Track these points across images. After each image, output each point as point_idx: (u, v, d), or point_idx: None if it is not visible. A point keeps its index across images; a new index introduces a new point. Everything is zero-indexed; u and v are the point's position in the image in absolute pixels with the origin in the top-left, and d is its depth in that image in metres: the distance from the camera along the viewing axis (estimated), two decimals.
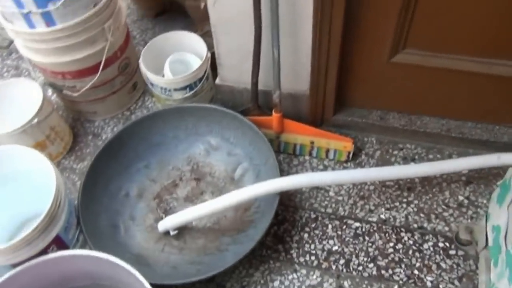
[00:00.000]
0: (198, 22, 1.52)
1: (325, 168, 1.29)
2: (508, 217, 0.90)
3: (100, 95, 1.34)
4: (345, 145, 1.26)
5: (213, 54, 1.29)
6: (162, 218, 1.16)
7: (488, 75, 1.15)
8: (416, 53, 1.15)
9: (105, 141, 1.21)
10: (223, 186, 1.26)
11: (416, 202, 1.22)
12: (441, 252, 1.14)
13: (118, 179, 1.23)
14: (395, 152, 1.32)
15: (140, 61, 1.30)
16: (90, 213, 1.10)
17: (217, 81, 1.31)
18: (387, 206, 1.22)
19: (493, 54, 1.11)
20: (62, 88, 1.29)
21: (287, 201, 1.24)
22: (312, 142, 1.27)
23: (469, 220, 1.19)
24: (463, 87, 1.20)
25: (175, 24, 1.65)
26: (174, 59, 1.33)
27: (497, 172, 1.23)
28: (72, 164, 1.35)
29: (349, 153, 1.27)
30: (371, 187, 1.26)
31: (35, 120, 1.16)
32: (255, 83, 1.20)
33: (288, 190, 1.19)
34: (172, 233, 1.14)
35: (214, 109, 1.27)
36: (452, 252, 1.14)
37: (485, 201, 1.20)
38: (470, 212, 1.20)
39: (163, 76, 1.31)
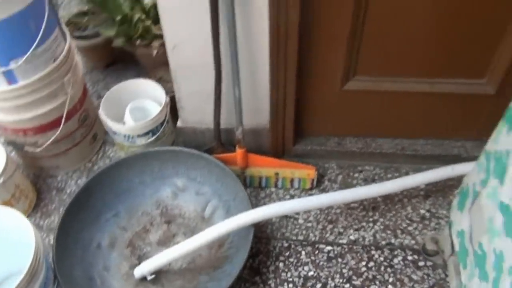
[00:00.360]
0: (150, 69, 1.60)
1: (292, 197, 1.38)
2: (470, 220, 1.01)
3: (62, 148, 1.38)
4: (308, 172, 1.35)
5: (172, 98, 1.37)
6: (137, 265, 1.19)
7: (432, 94, 1.29)
8: (366, 79, 1.28)
9: (73, 194, 1.24)
10: (195, 226, 1.32)
11: (381, 220, 1.33)
12: (411, 265, 1.24)
13: (89, 230, 1.26)
14: (356, 175, 1.43)
15: (100, 111, 1.35)
16: (65, 267, 1.13)
17: (179, 123, 1.39)
18: (355, 227, 1.32)
19: (434, 74, 1.26)
20: (23, 145, 1.32)
21: (259, 233, 1.31)
22: (276, 174, 1.36)
23: (432, 231, 1.30)
24: (411, 107, 1.34)
25: (127, 73, 1.72)
26: (134, 106, 1.40)
27: (452, 184, 1.36)
28: (39, 221, 1.37)
29: (313, 180, 1.37)
30: (338, 211, 1.35)
31: (1, 180, 1.19)
32: (217, 122, 1.29)
33: (258, 222, 1.26)
34: (149, 278, 1.18)
35: (178, 151, 1.34)
36: (421, 263, 1.25)
37: (445, 212, 1.32)
38: (432, 224, 1.32)
39: (123, 124, 1.37)
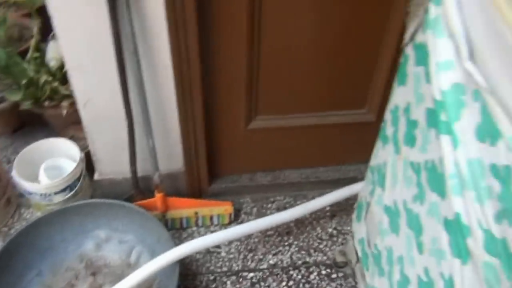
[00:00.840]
0: (61, 129, 1.71)
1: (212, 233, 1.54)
2: (367, 227, 1.25)
3: None
4: (225, 208, 1.53)
5: (86, 154, 1.49)
6: None
7: (324, 126, 1.54)
8: (267, 118, 1.50)
9: None
10: (121, 273, 1.43)
11: (296, 242, 1.53)
12: (325, 278, 1.45)
13: None
14: (269, 206, 1.63)
15: (13, 173, 1.44)
16: None
17: (96, 176, 1.51)
18: (273, 252, 1.51)
19: (323, 108, 1.51)
20: None
21: (185, 270, 1.46)
22: (196, 213, 1.53)
23: (340, 246, 1.53)
24: (310, 139, 1.58)
25: (36, 135, 1.79)
26: (48, 165, 1.50)
27: (353, 203, 1.61)
28: None
29: (230, 215, 1.55)
30: (256, 240, 1.54)
31: None
32: (134, 171, 1.43)
33: (184, 260, 1.40)
34: None
35: (98, 203, 1.45)
36: (334, 275, 1.46)
37: (349, 228, 1.55)
38: (340, 239, 1.54)
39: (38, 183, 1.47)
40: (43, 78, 1.56)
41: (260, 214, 1.56)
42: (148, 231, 1.42)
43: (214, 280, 1.41)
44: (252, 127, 1.48)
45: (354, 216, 1.36)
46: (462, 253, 0.75)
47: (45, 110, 1.64)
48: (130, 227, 1.45)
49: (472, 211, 0.68)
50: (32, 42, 1.61)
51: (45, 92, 1.58)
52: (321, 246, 1.49)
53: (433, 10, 0.82)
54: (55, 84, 1.56)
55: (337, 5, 1.23)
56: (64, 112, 1.58)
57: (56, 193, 1.43)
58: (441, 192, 0.80)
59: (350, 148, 1.57)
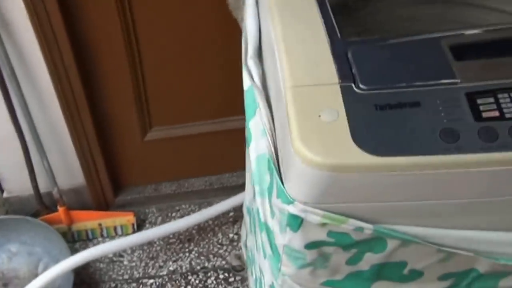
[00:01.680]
0: None
1: None
2: (246, 230, 1.42)
3: None
4: (128, 218, 1.74)
5: None
6: None
7: (226, 131, 1.73)
8: (163, 129, 1.69)
9: None
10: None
11: (196, 249, 1.73)
12: (222, 282, 1.64)
13: None
14: (174, 214, 1.84)
15: None
16: None
17: (5, 194, 1.73)
18: (174, 258, 1.71)
19: (224, 114, 1.68)
20: None
21: (88, 279, 1.66)
22: (100, 224, 1.74)
23: (239, 251, 1.73)
24: (211, 146, 1.77)
25: None
26: None
27: None
28: None
29: (133, 225, 1.75)
30: (158, 248, 1.75)
31: None
32: (35, 187, 1.65)
33: (88, 270, 1.61)
34: None
35: (6, 219, 1.66)
36: (232, 279, 1.65)
37: None
38: (240, 244, 1.75)
39: None
40: None
41: (165, 223, 1.76)
42: (52, 244, 1.64)
43: (115, 287, 1.61)
44: (149, 138, 1.68)
45: (243, 220, 1.56)
46: (263, 247, 0.88)
47: None
48: (36, 240, 1.67)
49: (261, 206, 0.81)
50: None
51: None
52: (221, 251, 1.69)
53: (242, 13, 0.99)
54: None
55: (211, 16, 1.43)
56: None
57: None
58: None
59: None
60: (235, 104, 1.54)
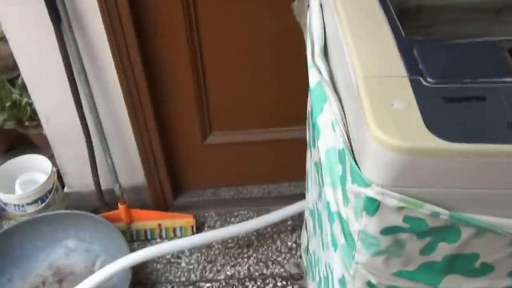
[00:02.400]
0: (43, 147, 2.11)
1: None
2: (307, 235, 1.50)
3: None
4: (187, 221, 1.85)
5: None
6: None
7: (285, 140, 1.82)
8: (222, 133, 1.79)
9: None
10: None
11: (255, 255, 1.81)
12: None
13: None
14: (232, 219, 1.93)
15: None
16: None
17: (66, 189, 1.87)
18: (231, 263, 1.80)
19: (283, 123, 1.77)
20: None
21: (145, 279, 1.77)
22: (159, 225, 1.85)
23: (298, 259, 1.80)
24: (270, 154, 1.86)
25: (25, 155, 2.20)
26: (24, 179, 1.88)
27: None
28: None
29: (192, 227, 1.85)
30: (216, 251, 1.84)
31: None
32: (97, 182, 1.78)
33: (145, 270, 1.71)
34: None
35: (66, 214, 1.80)
36: (289, 287, 1.73)
37: None
38: (298, 253, 1.81)
39: None
40: (25, 100, 1.96)
41: (225, 227, 1.86)
42: (111, 241, 1.75)
43: None
44: (209, 142, 1.78)
45: (303, 226, 1.64)
46: (333, 240, 0.93)
47: (28, 129, 2.03)
48: (95, 237, 1.79)
49: (332, 197, 0.87)
50: None
51: (27, 112, 1.98)
52: (279, 258, 1.77)
53: (307, 16, 1.09)
54: None
55: (274, 25, 1.52)
56: (44, 131, 1.97)
57: (28, 204, 1.80)
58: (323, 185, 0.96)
59: None
60: (295, 114, 1.63)
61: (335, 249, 0.89)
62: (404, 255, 0.74)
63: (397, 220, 0.69)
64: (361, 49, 0.76)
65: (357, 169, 0.69)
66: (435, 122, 0.64)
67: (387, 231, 0.71)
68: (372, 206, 0.68)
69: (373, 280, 0.79)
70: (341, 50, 0.80)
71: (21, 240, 1.73)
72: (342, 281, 0.87)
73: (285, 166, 1.83)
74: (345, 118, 0.78)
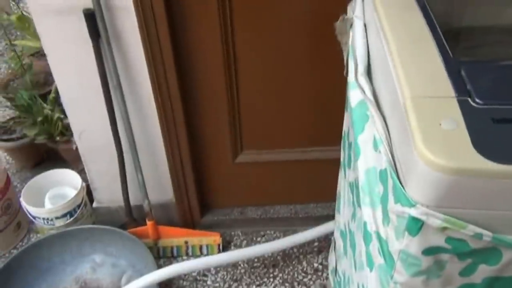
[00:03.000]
0: (72, 162, 2.15)
1: None
2: (335, 256, 1.51)
3: None
4: (214, 239, 1.86)
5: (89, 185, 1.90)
6: None
7: (314, 161, 1.84)
8: (253, 152, 1.82)
9: None
10: None
11: (280, 275, 1.82)
12: None
13: None
14: (259, 239, 1.94)
15: (21, 198, 1.87)
16: None
17: (94, 204, 1.90)
18: (257, 283, 1.81)
19: (313, 144, 1.79)
20: None
21: None
22: (186, 242, 1.87)
23: (324, 281, 1.81)
24: (299, 174, 1.88)
25: (53, 169, 2.24)
26: (53, 193, 1.92)
27: None
28: None
29: (219, 246, 1.87)
30: (242, 270, 1.85)
31: None
32: (126, 198, 1.81)
33: (171, 286, 1.72)
34: None
35: (94, 229, 1.83)
36: None
37: None
38: (324, 274, 1.82)
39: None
40: (56, 115, 2.01)
41: (251, 246, 1.87)
42: (138, 257, 1.78)
43: None
44: (240, 160, 1.80)
45: (331, 248, 1.64)
46: (369, 260, 0.94)
47: (58, 144, 2.07)
48: (122, 253, 1.81)
49: (371, 217, 0.87)
50: (54, 85, 2.08)
51: (58, 128, 2.02)
52: (305, 279, 1.77)
53: (350, 36, 1.12)
54: (66, 121, 2.00)
55: (314, 48, 1.55)
56: (74, 146, 2.01)
57: (57, 218, 1.83)
58: (360, 206, 0.96)
59: None
60: (325, 135, 1.70)
61: (371, 269, 0.89)
62: (444, 276, 0.75)
63: (439, 240, 0.70)
64: (408, 69, 0.78)
65: (402, 188, 0.70)
66: (483, 143, 0.65)
67: (429, 251, 0.72)
68: (415, 226, 0.69)
69: None
70: (387, 70, 0.82)
71: (49, 254, 1.77)
72: None
73: (313, 187, 1.84)
74: (390, 137, 0.79)
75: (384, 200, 0.79)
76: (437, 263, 0.72)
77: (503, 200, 0.65)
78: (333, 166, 1.63)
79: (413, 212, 0.68)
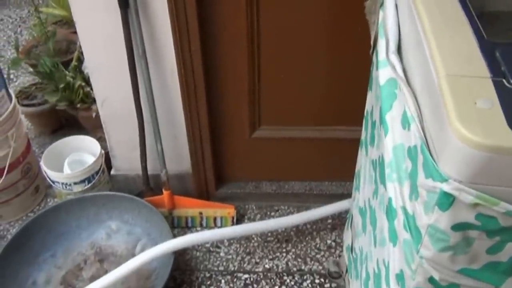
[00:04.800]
0: (91, 130, 2.16)
1: None
2: (352, 233, 1.53)
3: (4, 198, 1.88)
4: (228, 211, 1.88)
5: (108, 153, 1.92)
6: None
7: (331, 139, 1.84)
8: (270, 128, 1.82)
9: (12, 234, 1.69)
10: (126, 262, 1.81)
11: (293, 250, 1.84)
12: (318, 287, 1.75)
13: (26, 269, 1.69)
14: (272, 214, 1.96)
15: (41, 163, 1.89)
16: None
17: (112, 171, 1.92)
18: (270, 257, 1.83)
19: (331, 122, 1.79)
20: None
21: (184, 266, 1.81)
22: (201, 213, 1.88)
23: (337, 258, 1.82)
24: (315, 152, 1.88)
25: (72, 135, 2.26)
26: (72, 159, 1.94)
27: None
28: None
29: (233, 218, 1.89)
30: (255, 244, 1.87)
31: None
32: (144, 167, 1.83)
33: (184, 256, 1.75)
34: None
35: (111, 195, 1.85)
36: (327, 285, 1.74)
37: None
38: (337, 252, 1.83)
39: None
40: (78, 83, 2.02)
41: (265, 220, 1.88)
42: (154, 225, 1.79)
43: (210, 277, 1.74)
44: (257, 135, 1.80)
45: (346, 224, 1.66)
46: (392, 236, 0.94)
47: (78, 112, 2.09)
48: (138, 221, 1.83)
49: (398, 192, 0.87)
50: (76, 54, 2.09)
51: (79, 95, 2.03)
52: (318, 256, 1.79)
53: (380, 15, 1.12)
54: (88, 88, 2.02)
55: (336, 25, 1.55)
56: (94, 114, 2.02)
57: (75, 183, 1.85)
58: (384, 182, 0.90)
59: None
60: (344, 114, 1.71)
61: (394, 244, 0.89)
62: (471, 252, 0.75)
63: (469, 216, 0.70)
64: (443, 48, 0.78)
65: (434, 163, 0.70)
66: None
67: (458, 227, 0.72)
68: (447, 201, 0.70)
69: (436, 276, 0.79)
70: (421, 49, 0.82)
71: (67, 218, 1.79)
72: (399, 276, 0.88)
73: (328, 165, 1.85)
74: (421, 114, 0.79)
75: (413, 176, 0.79)
76: (465, 239, 0.73)
77: None
78: (350, 146, 1.65)
79: (446, 187, 0.69)
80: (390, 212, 0.90)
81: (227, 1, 1.47)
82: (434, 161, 0.71)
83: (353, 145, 1.58)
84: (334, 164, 1.83)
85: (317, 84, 1.67)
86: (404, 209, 0.82)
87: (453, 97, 0.71)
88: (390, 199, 0.89)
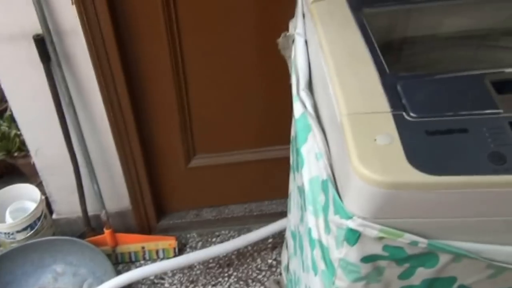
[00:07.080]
0: (31, 176, 2.05)
1: None
2: (287, 254, 1.46)
3: None
4: (169, 243, 1.81)
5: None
6: None
7: (266, 160, 1.79)
8: (205, 156, 1.76)
9: None
10: None
11: (235, 273, 1.78)
12: None
13: None
14: (214, 240, 1.90)
15: None
16: None
17: (54, 216, 1.82)
18: (213, 283, 1.76)
19: (264, 144, 1.75)
20: None
21: None
22: (143, 247, 1.80)
23: (278, 276, 1.77)
24: (252, 174, 1.83)
25: (12, 183, 2.13)
26: (14, 207, 1.82)
27: None
28: None
29: (175, 249, 1.81)
30: (198, 271, 1.80)
31: None
32: (84, 209, 1.73)
33: None
34: None
35: (53, 240, 1.75)
36: None
37: None
38: (279, 270, 1.78)
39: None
40: (13, 132, 1.91)
41: (206, 248, 1.82)
42: (98, 264, 1.71)
43: None
44: (193, 165, 1.75)
45: (284, 245, 1.61)
46: (313, 265, 0.92)
47: (16, 159, 1.97)
48: (82, 261, 1.74)
49: (314, 225, 0.85)
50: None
51: (15, 144, 1.92)
52: (259, 276, 1.73)
53: (292, 52, 1.08)
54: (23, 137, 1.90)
55: (264, 49, 1.51)
56: (32, 161, 1.91)
57: (18, 232, 1.74)
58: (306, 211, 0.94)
59: None
60: (275, 135, 1.64)
61: (315, 274, 0.87)
62: (384, 280, 0.73)
63: (377, 249, 0.68)
64: (345, 86, 0.75)
65: (340, 201, 0.67)
66: (417, 156, 0.63)
67: (367, 259, 0.70)
68: (353, 236, 0.67)
69: None
70: (326, 86, 0.79)
71: (12, 267, 1.68)
72: None
73: (266, 185, 1.82)
74: (329, 150, 0.76)
75: (325, 210, 0.77)
76: (376, 269, 0.70)
77: (437, 208, 0.64)
78: (285, 164, 1.56)
79: (350, 223, 0.66)
80: (311, 242, 0.88)
81: (149, 41, 1.44)
82: (340, 198, 0.68)
83: (287, 163, 1.49)
84: (272, 183, 1.80)
85: (248, 109, 1.64)
86: (320, 241, 0.79)
87: (354, 135, 0.68)
88: (310, 230, 0.86)
